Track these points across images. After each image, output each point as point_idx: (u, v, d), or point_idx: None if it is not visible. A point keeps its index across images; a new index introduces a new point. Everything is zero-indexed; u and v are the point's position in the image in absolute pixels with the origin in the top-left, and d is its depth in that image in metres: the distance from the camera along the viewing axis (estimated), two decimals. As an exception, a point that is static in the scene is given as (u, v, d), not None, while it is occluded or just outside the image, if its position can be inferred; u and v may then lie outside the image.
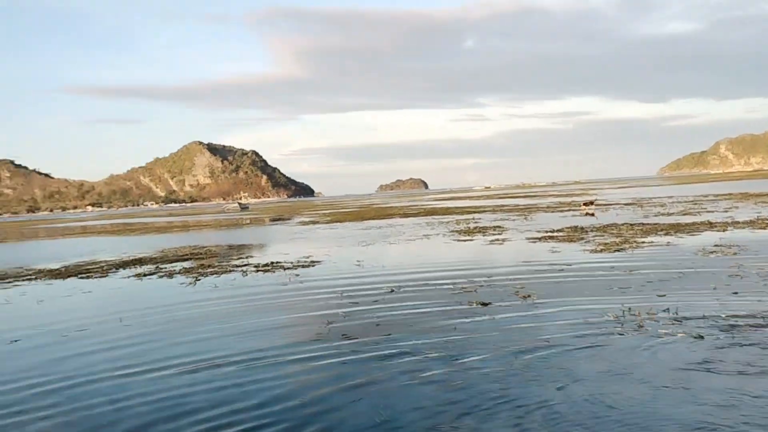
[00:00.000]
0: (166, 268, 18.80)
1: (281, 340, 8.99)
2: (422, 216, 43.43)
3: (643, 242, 17.83)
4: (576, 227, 24.61)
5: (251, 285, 14.35)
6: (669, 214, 29.38)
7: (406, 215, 46.29)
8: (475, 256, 17.66)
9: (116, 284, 15.96)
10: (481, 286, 12.16)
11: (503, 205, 53.37)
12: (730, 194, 47.82)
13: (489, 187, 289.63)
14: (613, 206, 40.11)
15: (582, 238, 20.07)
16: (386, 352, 7.97)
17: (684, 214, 28.66)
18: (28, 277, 18.69)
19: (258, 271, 16.82)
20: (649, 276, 11.96)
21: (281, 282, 14.44)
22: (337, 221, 44.04)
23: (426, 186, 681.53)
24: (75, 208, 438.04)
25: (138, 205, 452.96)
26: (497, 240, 21.50)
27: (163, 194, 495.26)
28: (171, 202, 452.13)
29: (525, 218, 33.35)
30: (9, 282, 17.68)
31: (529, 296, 10.91)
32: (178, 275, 16.87)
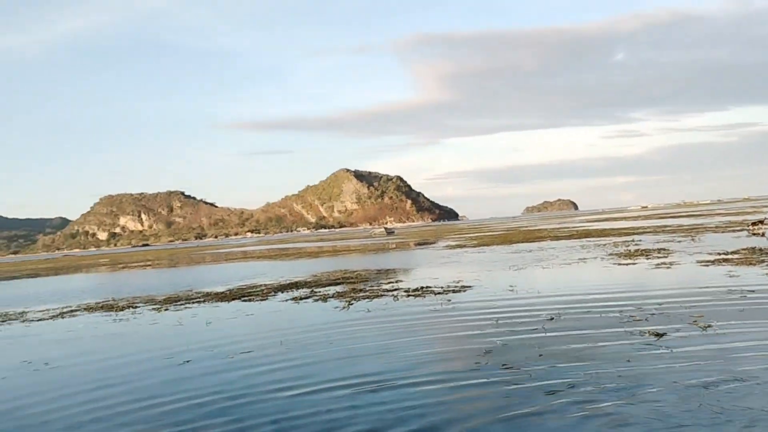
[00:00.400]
0: (320, 291, 19.31)
1: (437, 366, 8.71)
2: (575, 238, 41.52)
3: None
4: (754, 249, 22.16)
5: (403, 310, 14.26)
6: None
7: (557, 238, 44.53)
8: (641, 280, 16.36)
9: (275, 307, 16.60)
10: (652, 314, 11.14)
11: (665, 226, 49.73)
12: None
13: (646, 207, 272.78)
14: (734, 228, 35.96)
15: (763, 261, 17.96)
16: (551, 382, 7.43)
17: None
18: (198, 299, 20.02)
19: (409, 295, 16.74)
20: None
21: (433, 307, 14.21)
22: (484, 245, 43.34)
23: (576, 207, 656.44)
24: (236, 234, 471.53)
25: (291, 231, 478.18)
26: (663, 263, 19.85)
27: (313, 220, 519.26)
28: (321, 228, 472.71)
29: (692, 239, 30.70)
30: (181, 304, 19.02)
31: (709, 326, 9.79)
32: (332, 299, 17.23)
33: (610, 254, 25.42)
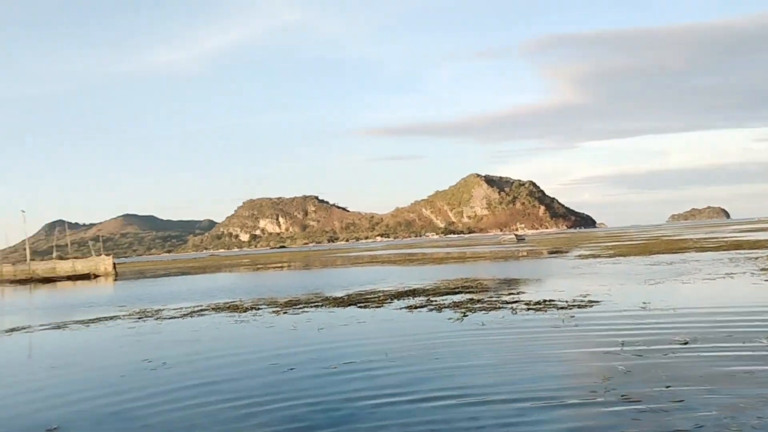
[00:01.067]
0: (436, 301, 18.82)
1: (546, 389, 7.93)
2: (724, 250, 37.90)
3: None
4: None
5: (520, 325, 13.41)
6: None
7: (702, 249, 40.93)
8: (798, 302, 14.34)
9: (388, 315, 16.32)
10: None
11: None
12: None
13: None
14: None
15: None
16: (677, 421, 6.43)
17: None
18: (316, 303, 20.24)
19: (529, 309, 15.80)
20: None
21: (553, 324, 13.23)
22: (620, 255, 40.75)
23: (727, 215, 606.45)
24: (366, 238, 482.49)
25: (420, 235, 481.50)
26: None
27: (442, 225, 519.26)
28: (450, 233, 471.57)
29: None
30: (300, 308, 19.31)
31: None
32: (447, 309, 16.67)
33: (763, 269, 22.74)
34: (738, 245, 43.05)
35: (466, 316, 15.17)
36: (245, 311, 19.45)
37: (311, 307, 19.40)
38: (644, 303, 15.55)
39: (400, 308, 17.58)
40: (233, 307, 20.66)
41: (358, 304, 19.06)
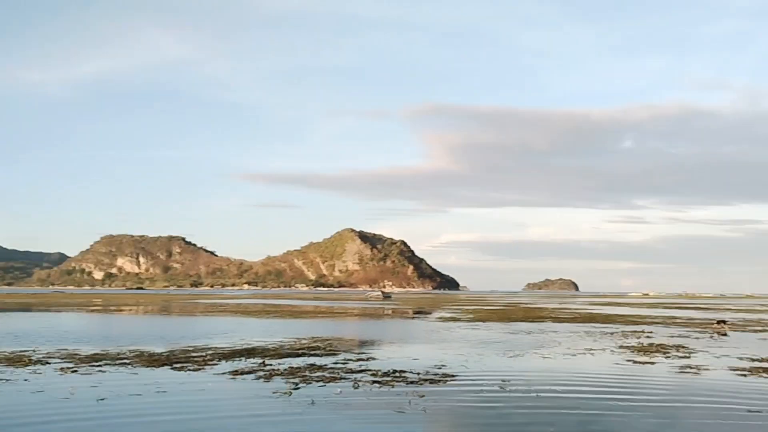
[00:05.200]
0: (271, 365, 15.92)
1: None
2: (579, 322, 37.95)
3: None
4: (794, 357, 18.75)
5: (355, 407, 10.87)
6: None
7: (558, 319, 40.96)
8: (670, 391, 12.96)
9: (201, 383, 13.19)
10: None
11: (674, 317, 46.08)
12: None
13: (647, 294, 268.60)
14: (753, 327, 32.52)
15: (816, 377, 14.56)
16: None
17: None
18: (125, 360, 16.63)
19: (374, 381, 13.35)
20: None
21: (397, 406, 10.79)
22: (480, 320, 39.79)
23: (576, 288, 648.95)
24: (233, 285, 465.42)
25: (290, 286, 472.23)
26: (689, 368, 16.39)
27: (313, 277, 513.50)
28: (320, 286, 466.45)
29: (711, 337, 27.23)
30: (100, 365, 15.64)
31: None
32: (279, 377, 13.84)
33: (621, 346, 21.96)
34: (592, 318, 43.69)
35: (298, 388, 12.45)
36: (29, 364, 15.49)
37: (116, 364, 15.78)
38: (503, 381, 13.64)
39: (223, 373, 14.48)
40: (16, 359, 16.53)
41: (175, 365, 15.71)
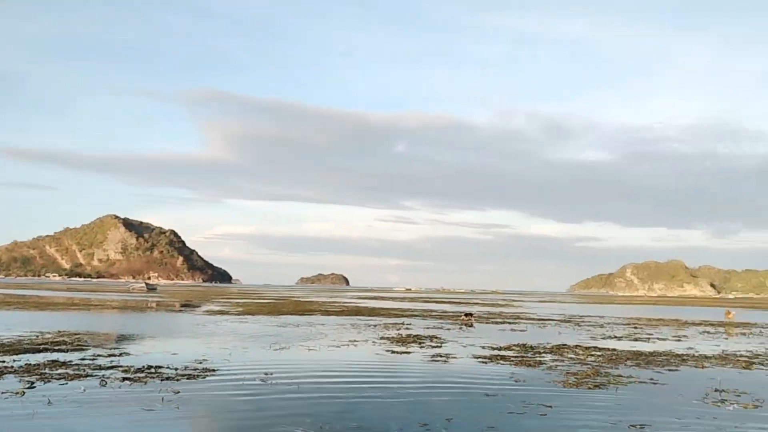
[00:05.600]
0: (4, 362, 13.93)
1: None
2: (346, 315, 39.29)
3: (620, 376, 14.51)
4: (525, 345, 21.25)
5: (99, 404, 9.89)
6: (617, 338, 26.63)
7: (327, 313, 42.01)
8: (421, 378, 13.81)
9: None
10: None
11: (431, 311, 49.93)
12: (661, 319, 46.33)
13: (410, 289, 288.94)
14: (495, 319, 37.53)
15: (541, 363, 16.61)
16: None
17: (635, 339, 25.96)
18: None
19: (126, 378, 12.31)
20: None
21: (148, 403, 10.03)
22: (249, 313, 39.25)
23: (347, 282, 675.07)
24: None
25: (40, 275, 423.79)
26: (439, 356, 17.73)
27: (68, 266, 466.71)
28: (76, 276, 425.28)
29: (460, 328, 29.91)
30: None
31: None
32: (11, 375, 12.15)
33: (382, 338, 23.10)
34: (358, 311, 45.52)
35: (34, 387, 11.01)
36: None
37: None
38: (266, 374, 13.45)
39: (-64, 373, 12.30)
40: None
41: None
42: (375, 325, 29.97)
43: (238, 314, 38.00)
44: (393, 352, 18.59)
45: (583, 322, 39.29)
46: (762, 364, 17.37)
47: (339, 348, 19.39)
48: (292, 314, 38.97)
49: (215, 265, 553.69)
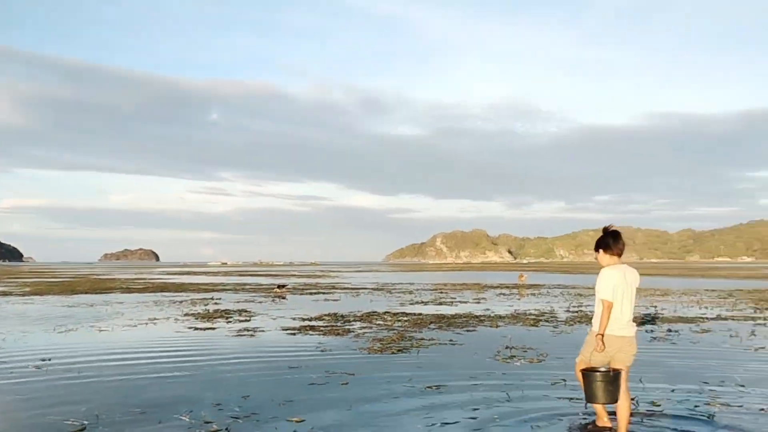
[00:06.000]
0: None
1: None
2: (150, 292, 36.85)
3: (423, 339, 14.95)
4: (336, 315, 21.30)
5: None
6: (424, 303, 27.83)
7: (129, 290, 39.11)
8: (223, 354, 13.05)
9: None
10: (237, 419, 7.67)
11: (245, 284, 48.75)
12: (464, 284, 49.53)
13: (225, 263, 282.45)
14: (310, 290, 38.32)
15: (349, 331, 16.64)
16: None
17: (440, 304, 27.29)
18: None
19: None
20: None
21: None
22: (37, 293, 35.30)
23: (157, 258, 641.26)
24: None
25: None
26: (246, 330, 17.04)
27: None
28: None
29: (273, 301, 29.38)
30: None
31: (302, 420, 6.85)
32: None
33: (186, 314, 21.82)
34: (164, 287, 43.03)
35: None
36: None
37: None
38: (44, 359, 11.90)
39: None
40: None
41: None
42: (181, 302, 28.38)
43: (24, 294, 34.05)
44: (196, 328, 17.53)
45: (394, 289, 40.66)
46: (547, 321, 18.95)
47: (135, 327, 17.89)
48: (87, 293, 35.70)
49: (3, 242, 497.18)
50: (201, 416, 7.57)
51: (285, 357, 12.29)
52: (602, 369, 6.17)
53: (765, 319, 19.84)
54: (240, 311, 22.96)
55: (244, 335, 16.00)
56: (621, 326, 6.19)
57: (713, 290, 38.22)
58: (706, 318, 20.16)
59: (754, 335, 15.71)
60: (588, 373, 6.13)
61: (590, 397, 6.22)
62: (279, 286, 38.35)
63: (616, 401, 6.19)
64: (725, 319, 19.96)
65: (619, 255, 6.34)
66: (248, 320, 19.77)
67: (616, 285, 6.12)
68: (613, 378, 6.03)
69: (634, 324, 6.41)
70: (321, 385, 9.35)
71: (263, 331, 16.94)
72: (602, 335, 6.11)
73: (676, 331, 16.51)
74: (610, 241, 6.31)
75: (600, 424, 6.67)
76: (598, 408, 6.60)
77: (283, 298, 31.82)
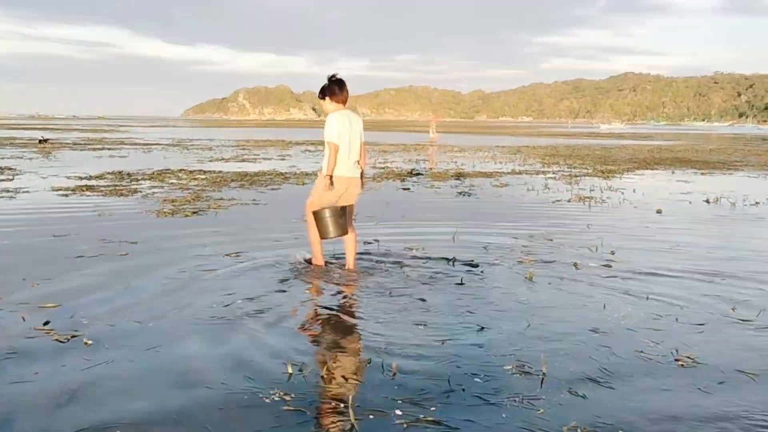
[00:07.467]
0: None
1: None
2: None
3: (222, 199, 13.53)
4: (122, 173, 18.87)
5: None
6: (225, 160, 26.05)
7: None
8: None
9: None
10: None
11: (14, 138, 42.30)
12: (269, 140, 47.89)
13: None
14: (94, 146, 35.05)
15: (136, 191, 14.60)
16: None
17: (242, 161, 25.72)
18: None
19: None
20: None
21: None
22: None
23: None
24: None
25: None
26: (7, 191, 14.23)
27: None
28: None
29: (45, 157, 25.59)
30: None
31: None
32: None
33: None
34: None
35: None
36: None
37: None
38: None
39: None
40: None
41: None
42: None
43: None
44: (-63, 190, 14.32)
45: (192, 145, 37.94)
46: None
47: None
48: None
49: None
50: None
51: (51, 224, 10.19)
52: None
53: (554, 173, 21.20)
54: (4, 169, 19.48)
55: (3, 197, 13.32)
56: (348, 168, 6.66)
57: (503, 146, 40.85)
58: (503, 172, 21.06)
59: (548, 188, 16.53)
60: (318, 211, 6.55)
61: (323, 233, 6.62)
62: (40, 141, 33.62)
63: (346, 233, 6.77)
64: (519, 173, 21.00)
65: (344, 102, 6.74)
66: (11, 179, 16.72)
67: (342, 129, 6.53)
68: (341, 212, 6.61)
69: (360, 165, 6.85)
70: (91, 258, 7.67)
71: (28, 192, 14.30)
72: (330, 176, 6.50)
73: (479, 186, 16.87)
74: (335, 88, 6.65)
75: (315, 262, 7.05)
76: (316, 248, 6.96)
77: (49, 153, 27.83)
